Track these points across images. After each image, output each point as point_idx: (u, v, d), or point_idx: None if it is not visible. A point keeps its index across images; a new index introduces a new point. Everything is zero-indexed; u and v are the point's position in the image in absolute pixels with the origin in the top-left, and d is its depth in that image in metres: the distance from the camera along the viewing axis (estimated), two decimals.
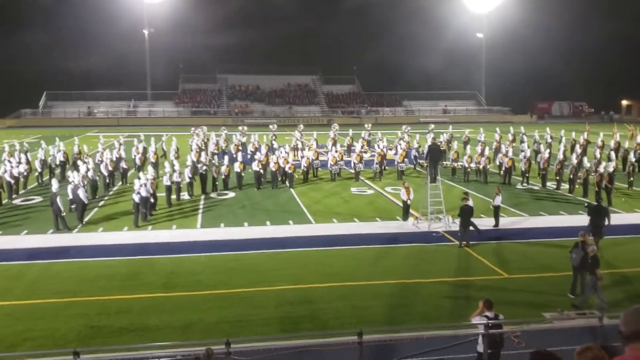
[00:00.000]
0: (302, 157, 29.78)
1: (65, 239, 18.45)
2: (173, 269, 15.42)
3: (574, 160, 27.07)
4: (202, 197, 24.73)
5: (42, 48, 67.42)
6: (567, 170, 26.15)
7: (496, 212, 19.90)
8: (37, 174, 27.59)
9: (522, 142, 34.80)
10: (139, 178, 20.98)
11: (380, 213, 21.86)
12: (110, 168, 26.37)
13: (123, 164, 27.72)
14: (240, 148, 32.93)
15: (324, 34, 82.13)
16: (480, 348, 9.31)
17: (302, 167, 28.77)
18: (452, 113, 73.19)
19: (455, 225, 18.62)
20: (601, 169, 23.19)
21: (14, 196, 24.22)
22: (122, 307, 12.85)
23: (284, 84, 76.87)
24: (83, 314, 12.46)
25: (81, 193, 20.26)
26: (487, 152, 28.73)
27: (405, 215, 20.58)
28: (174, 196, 23.54)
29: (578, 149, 30.25)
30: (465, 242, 17.43)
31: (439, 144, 26.72)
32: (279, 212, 22.06)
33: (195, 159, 26.94)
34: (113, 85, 68.86)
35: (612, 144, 33.01)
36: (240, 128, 38.25)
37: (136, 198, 19.85)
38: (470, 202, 17.81)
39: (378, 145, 32.06)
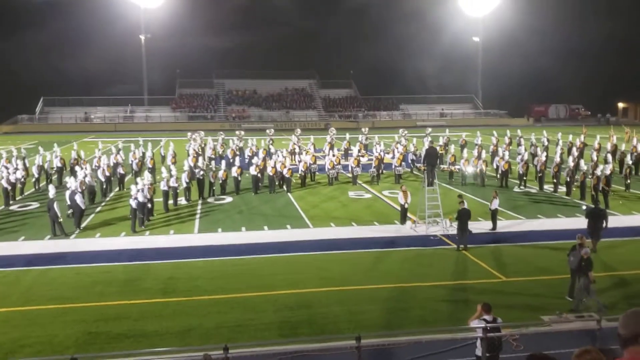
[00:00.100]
0: (299, 162, 29.77)
1: (63, 244, 18.40)
2: (171, 275, 15.37)
3: (571, 163, 27.13)
4: (200, 202, 24.71)
5: (39, 54, 67.60)
6: (564, 173, 26.22)
7: (493, 215, 19.92)
8: (34, 179, 27.57)
9: (519, 145, 34.89)
10: (136, 183, 20.96)
11: (377, 217, 21.87)
12: (107, 173, 26.33)
13: (120, 170, 27.67)
14: (237, 153, 32.99)
15: (321, 38, 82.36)
16: (478, 352, 9.30)
17: (300, 172, 28.76)
18: (449, 116, 73.33)
19: (452, 228, 18.65)
20: (598, 172, 23.25)
21: (11, 202, 24.19)
22: (120, 313, 12.80)
23: (281, 88, 76.92)
24: (81, 320, 12.40)
25: (78, 199, 20.23)
26: (484, 155, 28.78)
27: (403, 219, 20.59)
28: (171, 201, 23.54)
29: (575, 152, 30.37)
30: (463, 246, 17.45)
31: (436, 147, 26.75)
32: (277, 217, 22.05)
33: (192, 164, 26.96)
34: (110, 91, 68.93)
35: (608, 146, 33.12)
36: (237, 133, 38.31)
37: (133, 203, 19.83)
38: (465, 205, 17.85)
39: (375, 149, 32.10)
